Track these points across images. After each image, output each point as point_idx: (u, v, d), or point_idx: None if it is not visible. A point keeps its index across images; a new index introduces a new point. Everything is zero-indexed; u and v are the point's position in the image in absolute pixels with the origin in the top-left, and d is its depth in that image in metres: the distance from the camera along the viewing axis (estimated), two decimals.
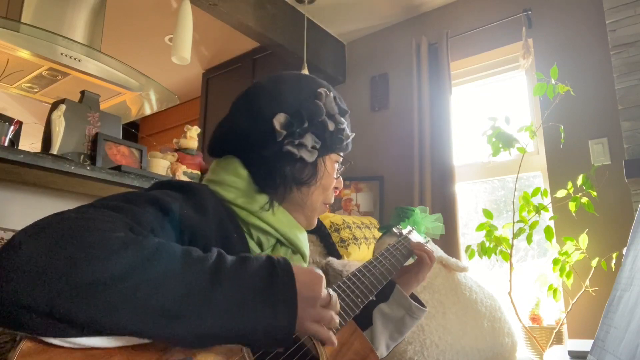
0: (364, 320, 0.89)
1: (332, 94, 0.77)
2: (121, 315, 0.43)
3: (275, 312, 0.49)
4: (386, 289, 0.89)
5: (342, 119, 0.77)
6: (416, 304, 0.91)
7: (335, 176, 0.82)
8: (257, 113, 0.74)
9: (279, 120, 0.71)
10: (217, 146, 0.80)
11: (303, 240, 0.78)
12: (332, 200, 0.84)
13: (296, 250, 0.77)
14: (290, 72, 0.82)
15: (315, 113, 0.73)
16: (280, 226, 0.73)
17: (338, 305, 0.58)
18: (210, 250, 0.53)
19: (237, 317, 0.48)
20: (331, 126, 0.75)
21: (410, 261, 0.95)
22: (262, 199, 0.72)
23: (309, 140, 0.73)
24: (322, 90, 0.76)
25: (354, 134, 0.83)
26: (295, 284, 0.52)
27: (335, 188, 0.84)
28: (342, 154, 0.84)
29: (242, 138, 0.75)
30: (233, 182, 0.72)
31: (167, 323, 0.45)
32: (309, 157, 0.73)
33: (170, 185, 0.66)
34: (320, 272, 0.57)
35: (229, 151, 0.77)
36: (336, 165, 0.82)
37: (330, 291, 0.57)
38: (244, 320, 0.48)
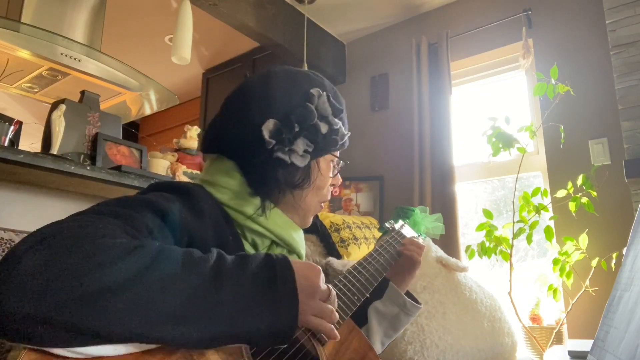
0: (359, 318, 0.89)
1: (325, 94, 0.73)
2: (128, 321, 0.43)
3: (278, 309, 0.50)
4: (380, 287, 0.89)
5: (335, 119, 0.73)
6: (410, 300, 0.91)
7: (331, 175, 0.80)
8: (246, 118, 0.72)
9: (267, 127, 0.68)
10: (209, 145, 0.78)
11: (299, 239, 0.77)
12: (329, 198, 0.82)
13: (292, 250, 0.76)
14: (284, 68, 0.78)
15: (306, 117, 0.70)
16: (275, 228, 0.72)
17: (336, 301, 0.59)
18: (210, 251, 0.53)
19: (242, 317, 0.48)
20: (324, 129, 0.72)
21: None
22: (256, 202, 0.71)
23: (300, 145, 0.70)
24: (314, 90, 0.72)
25: (349, 133, 0.78)
26: (294, 277, 0.53)
27: (333, 185, 0.82)
28: (338, 152, 0.81)
29: (232, 142, 0.74)
30: (227, 183, 0.71)
31: (174, 327, 0.45)
32: (301, 162, 0.70)
33: (166, 187, 0.65)
34: (317, 265, 0.57)
35: (222, 152, 0.75)
36: (332, 164, 0.80)
37: (330, 286, 0.57)
38: (248, 321, 0.49)
